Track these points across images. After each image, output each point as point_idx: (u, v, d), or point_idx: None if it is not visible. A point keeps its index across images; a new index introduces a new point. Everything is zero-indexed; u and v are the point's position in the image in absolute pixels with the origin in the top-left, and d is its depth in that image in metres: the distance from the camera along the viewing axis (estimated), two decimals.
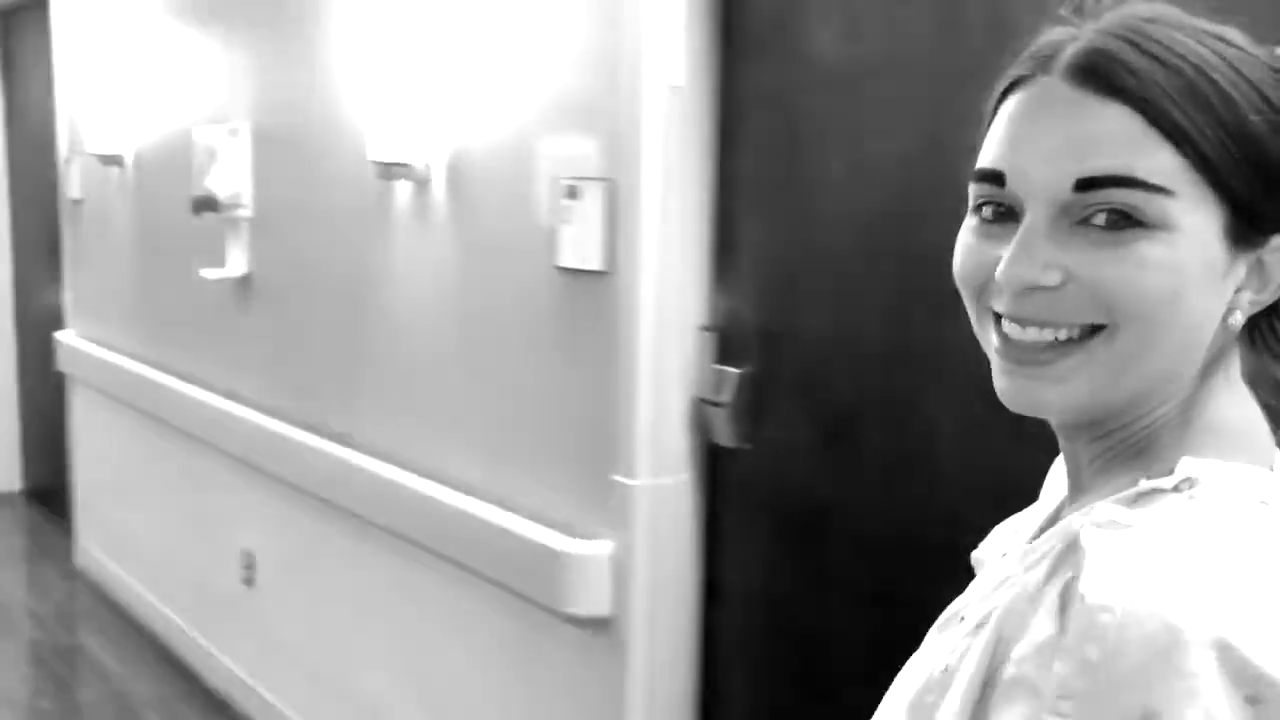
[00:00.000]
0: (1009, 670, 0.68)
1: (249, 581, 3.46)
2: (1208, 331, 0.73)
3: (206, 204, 3.25)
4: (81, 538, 4.75)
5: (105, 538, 4.57)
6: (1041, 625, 0.67)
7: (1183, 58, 0.70)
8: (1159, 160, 0.69)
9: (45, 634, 4.22)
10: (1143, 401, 0.74)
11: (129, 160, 4.03)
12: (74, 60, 4.42)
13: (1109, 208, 0.70)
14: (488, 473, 2.42)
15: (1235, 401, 0.76)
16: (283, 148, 3.14)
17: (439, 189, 2.50)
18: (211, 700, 3.62)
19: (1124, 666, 0.62)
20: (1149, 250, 0.69)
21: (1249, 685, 0.61)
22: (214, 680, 3.68)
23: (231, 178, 3.24)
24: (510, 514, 2.30)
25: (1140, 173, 0.69)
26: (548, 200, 2.18)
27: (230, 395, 3.46)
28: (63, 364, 4.61)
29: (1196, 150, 0.69)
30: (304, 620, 3.21)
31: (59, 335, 4.62)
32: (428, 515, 2.51)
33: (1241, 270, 0.73)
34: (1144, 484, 0.70)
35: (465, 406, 2.50)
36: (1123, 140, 0.70)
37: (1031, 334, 0.73)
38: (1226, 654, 0.61)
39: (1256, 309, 0.75)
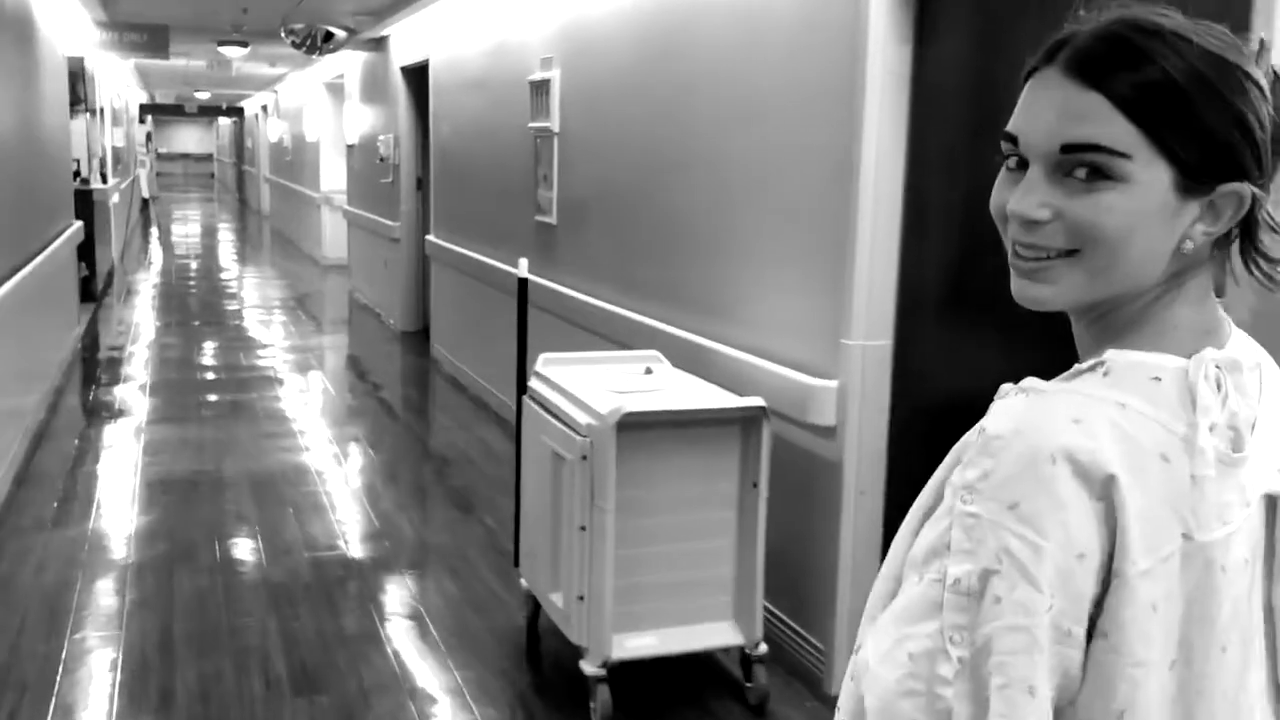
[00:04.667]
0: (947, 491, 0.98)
1: None
2: (1161, 254, 0.99)
3: None
4: None
5: None
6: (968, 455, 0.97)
7: (1149, 58, 0.95)
8: (1119, 131, 0.95)
9: None
10: (1115, 300, 1.02)
11: None
12: None
13: (1086, 165, 0.97)
14: None
15: (1190, 309, 1.02)
16: None
17: None
18: None
19: (1003, 472, 0.92)
20: (1112, 198, 0.97)
21: (1095, 485, 0.91)
22: None
23: None
24: None
25: (1105, 141, 0.96)
26: None
27: None
28: None
29: (1149, 125, 0.95)
30: None
31: None
32: None
33: (1195, 210, 0.97)
34: (1079, 366, 1.01)
35: None
36: (1094, 117, 0.96)
37: (1029, 254, 1.02)
38: (1074, 463, 0.91)
39: (1210, 239, 0.99)
